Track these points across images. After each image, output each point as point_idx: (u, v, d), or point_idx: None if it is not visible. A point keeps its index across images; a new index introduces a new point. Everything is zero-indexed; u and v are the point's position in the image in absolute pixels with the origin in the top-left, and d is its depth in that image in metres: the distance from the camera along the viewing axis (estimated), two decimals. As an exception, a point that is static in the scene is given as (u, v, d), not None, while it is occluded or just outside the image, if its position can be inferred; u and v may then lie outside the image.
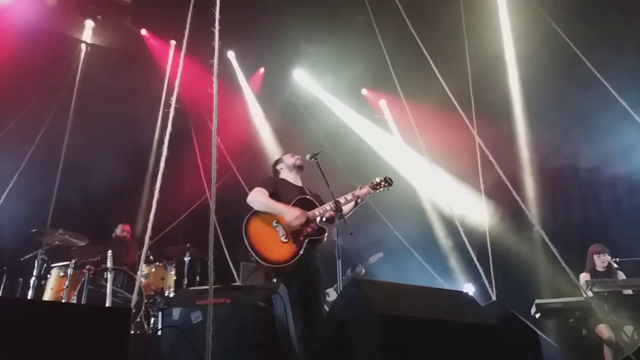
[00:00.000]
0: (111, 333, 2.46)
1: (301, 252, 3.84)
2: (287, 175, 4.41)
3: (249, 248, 3.81)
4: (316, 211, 4.03)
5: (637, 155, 5.99)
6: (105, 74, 7.01)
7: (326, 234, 4.01)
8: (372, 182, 4.30)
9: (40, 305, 2.74)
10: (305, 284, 3.87)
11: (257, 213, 4.00)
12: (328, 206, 4.02)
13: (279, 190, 4.16)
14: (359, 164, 7.89)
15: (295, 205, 4.03)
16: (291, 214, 3.92)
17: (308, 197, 4.16)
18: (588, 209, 7.09)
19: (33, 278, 5.54)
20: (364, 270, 7.09)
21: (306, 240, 3.91)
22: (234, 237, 6.89)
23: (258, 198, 4.02)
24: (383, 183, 4.28)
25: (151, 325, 5.51)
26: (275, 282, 3.58)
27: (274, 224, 3.94)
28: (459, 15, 6.08)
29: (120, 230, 6.53)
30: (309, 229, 3.96)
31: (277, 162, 4.55)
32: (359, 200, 4.21)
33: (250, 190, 4.00)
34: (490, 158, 4.28)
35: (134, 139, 6.83)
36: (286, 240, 3.88)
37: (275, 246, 3.85)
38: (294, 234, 3.91)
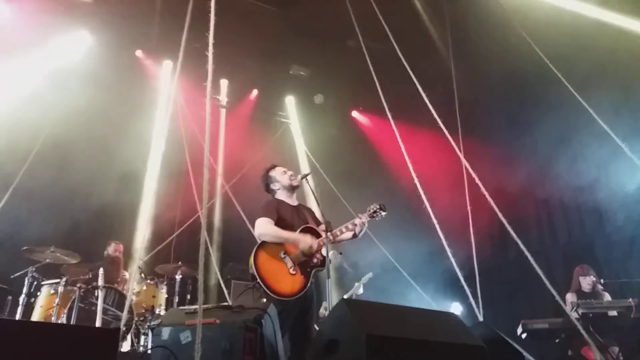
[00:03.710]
0: (100, 353, 2.47)
1: (308, 284, 3.87)
2: (283, 195, 4.30)
3: (260, 282, 3.75)
4: (321, 241, 3.97)
5: (620, 177, 6.11)
6: (100, 93, 7.08)
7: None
8: (368, 211, 4.20)
9: (28, 326, 2.75)
10: (302, 311, 3.92)
11: (264, 244, 3.93)
12: (331, 236, 4.00)
13: (281, 215, 4.08)
14: (349, 184, 7.97)
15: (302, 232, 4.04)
16: (305, 242, 3.90)
17: (309, 225, 4.12)
18: (573, 230, 7.19)
19: (23, 296, 5.52)
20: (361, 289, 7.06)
21: (312, 272, 3.93)
22: (225, 255, 6.97)
23: (267, 230, 3.95)
24: (379, 211, 4.20)
25: (141, 344, 5.50)
26: (264, 302, 3.61)
27: (282, 255, 3.90)
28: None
29: (112, 248, 6.50)
30: (314, 260, 3.96)
31: (269, 179, 4.37)
32: (357, 230, 4.12)
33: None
34: (477, 180, 4.36)
35: (128, 157, 6.87)
36: (294, 273, 3.86)
37: (284, 278, 3.83)
38: (301, 265, 3.91)
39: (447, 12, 6.46)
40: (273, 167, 4.44)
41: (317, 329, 4.05)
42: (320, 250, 3.97)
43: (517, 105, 7.46)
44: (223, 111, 8.68)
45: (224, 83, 8.67)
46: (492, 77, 7.25)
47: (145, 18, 7.07)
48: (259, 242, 3.95)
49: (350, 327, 2.74)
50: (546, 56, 5.13)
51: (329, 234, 3.94)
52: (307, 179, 4.29)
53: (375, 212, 4.19)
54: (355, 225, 4.11)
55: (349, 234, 4.18)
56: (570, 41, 5.99)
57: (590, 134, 5.86)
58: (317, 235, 4.03)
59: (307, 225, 4.10)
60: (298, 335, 3.88)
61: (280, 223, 4.05)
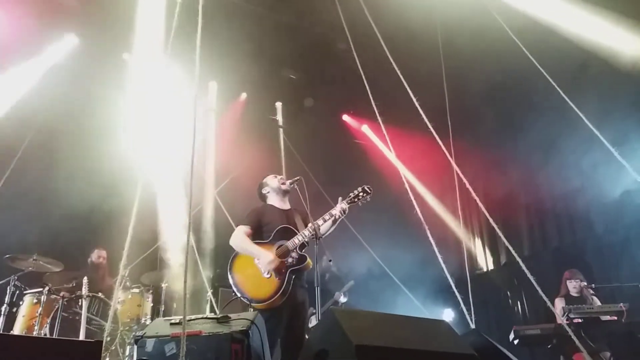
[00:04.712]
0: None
1: (284, 285, 3.81)
2: (274, 199, 4.34)
3: (235, 290, 3.87)
4: (295, 240, 3.98)
5: (608, 181, 6.12)
6: (85, 97, 6.98)
7: (307, 261, 3.97)
8: (350, 196, 4.18)
9: (6, 340, 2.66)
10: (292, 317, 3.87)
11: (239, 252, 4.04)
12: (307, 232, 3.97)
13: (263, 222, 4.13)
14: (339, 188, 7.90)
15: (275, 237, 4.02)
16: (265, 258, 3.88)
17: (288, 225, 4.11)
18: (563, 235, 7.19)
19: (4, 305, 5.39)
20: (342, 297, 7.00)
21: (289, 272, 3.87)
22: (213, 262, 6.87)
23: (236, 241, 4.05)
24: (361, 194, 4.17)
25: (126, 354, 5.39)
26: (252, 311, 3.54)
27: (255, 261, 3.93)
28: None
29: (96, 255, 6.37)
30: (289, 260, 3.93)
31: (262, 186, 4.45)
32: (337, 217, 4.10)
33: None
34: (467, 185, 4.32)
35: (113, 163, 6.75)
36: (268, 276, 3.85)
37: (259, 283, 3.83)
38: (276, 268, 3.88)
39: (438, 15, 6.44)
40: (265, 176, 4.53)
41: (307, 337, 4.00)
42: (295, 249, 3.95)
43: (507, 110, 7.48)
44: (212, 115, 8.59)
45: (212, 85, 8.61)
46: (481, 80, 7.25)
47: (131, 20, 6.95)
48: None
49: (339, 337, 2.69)
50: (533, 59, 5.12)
51: (310, 229, 3.91)
52: (296, 184, 4.27)
53: (356, 196, 4.16)
54: (332, 214, 4.08)
55: (329, 224, 4.13)
56: (555, 45, 6.00)
57: (579, 139, 5.87)
58: (291, 235, 4.02)
59: (284, 225, 4.10)
60: (289, 342, 3.83)
61: (264, 228, 4.12)
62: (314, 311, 5.68)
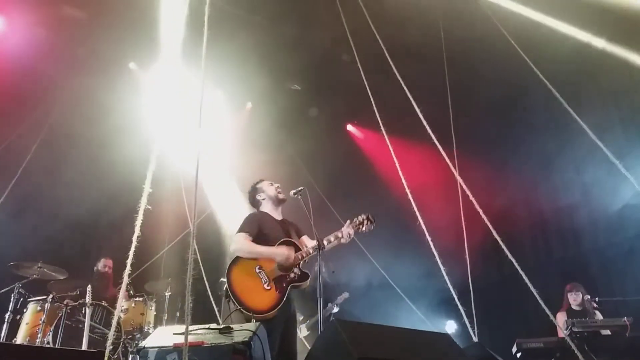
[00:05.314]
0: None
1: (284, 299, 3.77)
2: (269, 207, 4.26)
3: (231, 297, 3.75)
4: (299, 255, 3.93)
5: (613, 192, 6.10)
6: (90, 107, 7.03)
7: (309, 279, 3.94)
8: (355, 222, 4.10)
9: (10, 349, 2.67)
10: (286, 328, 3.85)
11: (238, 260, 3.90)
12: (312, 249, 3.92)
13: (263, 228, 4.04)
14: (343, 198, 7.92)
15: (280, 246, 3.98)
16: (281, 255, 3.81)
17: (290, 239, 4.07)
18: (567, 247, 7.16)
19: (8, 313, 5.40)
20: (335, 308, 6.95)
21: (289, 287, 3.84)
22: (216, 271, 6.86)
23: (242, 246, 3.91)
24: (366, 222, 4.09)
25: (129, 363, 5.38)
26: (254, 322, 3.53)
27: (257, 270, 3.85)
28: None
29: (102, 264, 6.39)
30: (292, 274, 3.89)
31: (256, 190, 4.35)
32: (342, 240, 4.04)
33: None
34: (471, 197, 4.32)
35: (118, 171, 6.79)
36: (269, 288, 3.79)
37: (258, 294, 3.76)
38: (277, 280, 3.83)
39: (442, 26, 6.48)
40: (260, 180, 4.43)
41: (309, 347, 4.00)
42: (299, 264, 3.91)
43: (509, 121, 7.48)
44: (222, 124, 8.64)
45: (218, 95, 8.67)
46: (484, 91, 7.27)
47: (138, 30, 7.03)
48: (232, 258, 3.91)
49: (342, 349, 2.69)
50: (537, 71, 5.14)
51: (315, 246, 3.87)
52: (300, 195, 4.21)
53: (361, 223, 4.08)
54: (339, 237, 4.02)
55: (333, 244, 4.08)
56: (558, 57, 6.03)
57: (582, 150, 5.87)
58: (295, 248, 3.97)
59: (288, 238, 4.04)
60: (284, 354, 3.79)
61: (262, 236, 4.01)
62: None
